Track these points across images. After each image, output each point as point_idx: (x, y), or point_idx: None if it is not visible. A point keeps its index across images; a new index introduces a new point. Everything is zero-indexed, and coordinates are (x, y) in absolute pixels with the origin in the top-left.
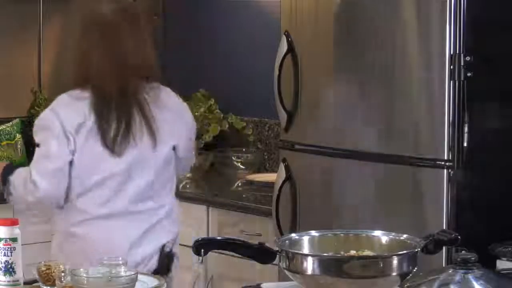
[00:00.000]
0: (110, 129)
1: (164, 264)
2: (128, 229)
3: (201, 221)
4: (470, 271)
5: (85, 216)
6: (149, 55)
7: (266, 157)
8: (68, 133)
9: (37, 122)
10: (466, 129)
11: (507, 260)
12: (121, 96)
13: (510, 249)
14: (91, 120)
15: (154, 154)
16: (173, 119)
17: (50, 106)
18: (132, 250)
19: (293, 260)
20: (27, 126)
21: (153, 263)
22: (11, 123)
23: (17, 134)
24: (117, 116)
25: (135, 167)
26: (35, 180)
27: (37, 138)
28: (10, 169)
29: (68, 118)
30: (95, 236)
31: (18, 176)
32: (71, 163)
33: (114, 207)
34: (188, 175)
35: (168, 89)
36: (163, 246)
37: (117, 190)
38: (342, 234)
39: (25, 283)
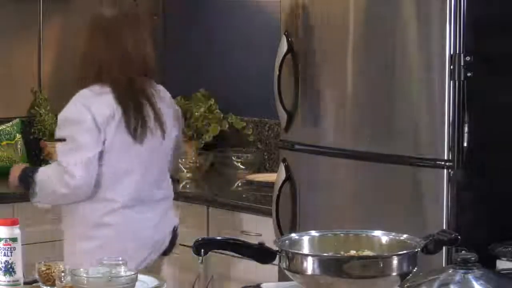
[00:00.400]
0: (132, 120)
1: (173, 245)
2: (151, 216)
3: (201, 221)
4: (470, 271)
5: (114, 205)
6: (149, 55)
7: (266, 157)
8: (99, 124)
9: (64, 117)
10: (466, 129)
11: (507, 260)
12: (133, 90)
13: (510, 249)
14: (119, 112)
15: (163, 145)
16: (172, 113)
17: (77, 101)
18: (155, 236)
19: (293, 260)
20: (27, 126)
21: (165, 245)
22: (11, 123)
23: (17, 134)
24: (134, 109)
25: (151, 157)
26: (71, 170)
27: (63, 133)
28: (31, 170)
29: (99, 110)
30: (125, 225)
31: (44, 174)
32: (101, 154)
33: (139, 195)
34: (188, 175)
35: (161, 86)
36: (175, 229)
37: (141, 179)
38: (342, 234)
39: (25, 283)
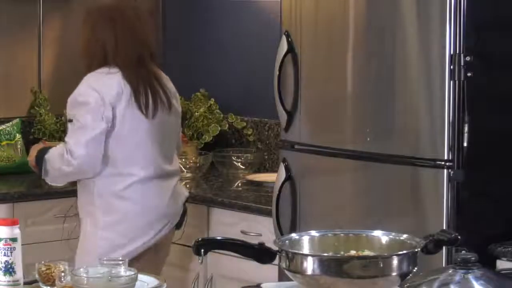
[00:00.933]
0: (142, 96)
1: (183, 219)
2: (166, 188)
3: (201, 221)
4: (470, 271)
5: (132, 179)
6: (152, 39)
7: (266, 157)
8: (108, 102)
9: (73, 98)
10: (466, 129)
11: (507, 260)
12: (141, 68)
13: (510, 249)
14: (127, 89)
15: (170, 120)
16: (177, 97)
17: (84, 83)
18: (170, 208)
19: (293, 260)
20: (27, 126)
21: (176, 219)
22: (11, 123)
23: (17, 134)
24: (144, 85)
25: (163, 131)
26: (71, 150)
27: (70, 113)
28: (45, 150)
29: (107, 89)
30: (142, 197)
31: (53, 153)
32: (108, 132)
33: (153, 169)
34: (188, 175)
35: (163, 74)
36: (184, 203)
37: (154, 153)
38: (342, 234)
39: (25, 283)
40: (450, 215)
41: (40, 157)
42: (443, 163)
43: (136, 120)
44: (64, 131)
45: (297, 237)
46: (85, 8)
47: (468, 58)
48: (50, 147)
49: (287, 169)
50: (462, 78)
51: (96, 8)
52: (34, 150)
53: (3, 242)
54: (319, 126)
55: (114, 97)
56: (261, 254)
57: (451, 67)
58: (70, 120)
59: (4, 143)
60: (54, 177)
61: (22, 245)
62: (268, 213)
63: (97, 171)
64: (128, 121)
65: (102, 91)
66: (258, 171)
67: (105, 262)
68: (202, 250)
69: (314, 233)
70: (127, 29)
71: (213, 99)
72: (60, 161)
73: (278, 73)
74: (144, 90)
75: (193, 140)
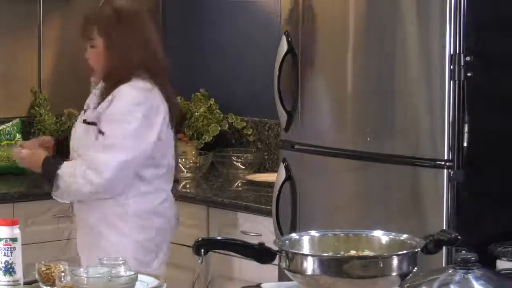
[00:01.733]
0: (173, 116)
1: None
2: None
3: (201, 221)
4: (470, 271)
5: (164, 195)
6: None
7: (266, 157)
8: (152, 121)
9: (113, 114)
10: (466, 129)
11: (507, 260)
12: (168, 86)
13: (510, 249)
14: (165, 106)
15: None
16: None
17: (127, 100)
18: (179, 213)
19: (293, 260)
20: (27, 126)
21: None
22: (11, 123)
23: (17, 134)
24: (174, 104)
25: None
26: (99, 168)
27: (107, 129)
28: (53, 162)
29: (150, 107)
30: (170, 210)
31: (68, 168)
32: (146, 157)
33: (171, 183)
34: (188, 175)
35: None
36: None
37: (172, 169)
38: (342, 234)
39: (25, 283)
40: (450, 215)
41: (49, 171)
42: (443, 163)
43: (169, 139)
44: (67, 135)
45: (297, 237)
46: (115, 7)
47: (468, 58)
48: (57, 159)
49: (287, 169)
50: (462, 78)
51: (120, 13)
52: (35, 156)
53: (3, 242)
54: (319, 126)
55: (159, 115)
56: (261, 254)
57: (451, 67)
58: (102, 133)
59: (4, 143)
60: (66, 194)
61: (22, 245)
62: (268, 213)
63: (119, 193)
64: (164, 139)
65: (146, 109)
66: (258, 171)
67: (105, 262)
68: (202, 250)
69: (314, 233)
70: (151, 43)
71: (213, 99)
72: (79, 179)
73: (278, 73)
74: (175, 109)
75: (193, 140)
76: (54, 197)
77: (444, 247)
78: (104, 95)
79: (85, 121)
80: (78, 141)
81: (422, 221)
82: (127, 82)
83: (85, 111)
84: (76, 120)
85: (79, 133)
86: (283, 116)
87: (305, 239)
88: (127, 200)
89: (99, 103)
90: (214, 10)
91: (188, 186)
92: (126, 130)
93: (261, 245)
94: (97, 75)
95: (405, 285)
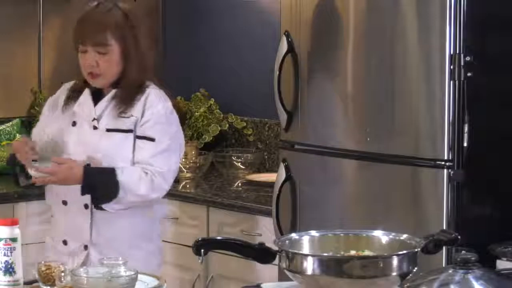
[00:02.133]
0: None
1: None
2: None
3: (201, 221)
4: (470, 271)
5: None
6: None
7: (266, 157)
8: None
9: (158, 118)
10: (466, 129)
11: (507, 260)
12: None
13: (510, 249)
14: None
15: None
16: None
17: (162, 103)
18: None
19: (293, 260)
20: (27, 126)
21: None
22: (11, 123)
23: (17, 134)
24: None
25: None
26: (166, 174)
27: (157, 134)
28: (101, 171)
29: (173, 107)
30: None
31: (131, 176)
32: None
33: None
34: (188, 175)
35: None
36: None
37: None
38: (342, 234)
39: (25, 283)
40: (450, 215)
41: (101, 181)
42: (443, 163)
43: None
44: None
45: (297, 237)
46: (124, 10)
47: (468, 58)
48: (96, 167)
49: (287, 169)
50: (462, 78)
51: (134, 7)
52: (68, 168)
53: (3, 242)
54: (319, 126)
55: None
56: (261, 254)
57: (451, 67)
58: (149, 138)
59: (4, 143)
60: (123, 201)
61: (22, 245)
62: (268, 213)
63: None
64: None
65: (173, 109)
66: (258, 171)
67: (105, 262)
68: (202, 250)
69: (314, 233)
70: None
71: (213, 99)
72: (144, 186)
73: (278, 73)
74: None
75: (193, 140)
76: (98, 205)
77: (444, 247)
78: (124, 101)
79: (118, 130)
80: (115, 149)
81: (422, 221)
82: (143, 84)
83: (95, 119)
84: (71, 125)
85: (115, 141)
86: (283, 116)
87: (305, 239)
88: (156, 205)
89: (120, 110)
90: (214, 10)
91: (188, 186)
92: (172, 133)
93: (261, 245)
94: (102, 82)
95: (405, 285)
